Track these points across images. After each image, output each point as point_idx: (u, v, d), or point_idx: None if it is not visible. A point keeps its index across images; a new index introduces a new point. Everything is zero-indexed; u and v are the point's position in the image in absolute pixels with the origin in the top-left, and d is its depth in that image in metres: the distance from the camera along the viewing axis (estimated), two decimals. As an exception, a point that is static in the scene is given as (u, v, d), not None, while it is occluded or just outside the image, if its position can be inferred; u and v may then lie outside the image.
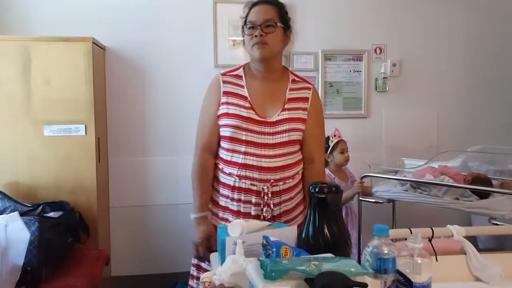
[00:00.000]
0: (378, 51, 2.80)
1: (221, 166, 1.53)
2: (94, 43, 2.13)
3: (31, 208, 1.84)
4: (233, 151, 1.48)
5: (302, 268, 0.81)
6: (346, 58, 2.77)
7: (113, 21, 2.46)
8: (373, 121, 2.81)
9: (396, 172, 2.27)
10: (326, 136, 2.48)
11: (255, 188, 1.45)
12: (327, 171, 2.48)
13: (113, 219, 2.53)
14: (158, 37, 2.52)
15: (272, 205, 1.45)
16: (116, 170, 2.51)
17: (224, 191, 1.51)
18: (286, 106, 1.49)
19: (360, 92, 2.79)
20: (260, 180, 1.45)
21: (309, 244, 1.09)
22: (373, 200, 2.26)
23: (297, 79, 1.58)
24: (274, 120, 1.47)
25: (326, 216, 1.10)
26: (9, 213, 1.70)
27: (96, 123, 2.11)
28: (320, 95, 2.69)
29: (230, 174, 1.48)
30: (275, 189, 1.46)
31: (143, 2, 2.50)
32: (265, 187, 1.45)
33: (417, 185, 2.09)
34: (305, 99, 1.53)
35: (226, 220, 1.50)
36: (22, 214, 1.67)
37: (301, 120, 1.50)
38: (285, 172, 1.48)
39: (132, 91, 2.52)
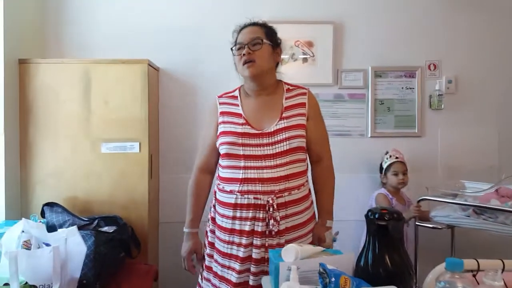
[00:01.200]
0: (432, 67, 2.68)
1: (221, 185, 1.54)
2: (149, 65, 2.22)
3: (88, 222, 1.91)
4: (233, 167, 1.48)
5: (366, 302, 0.76)
6: (397, 75, 2.68)
7: (166, 44, 2.55)
8: (428, 140, 2.68)
9: (455, 195, 2.12)
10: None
11: (259, 202, 1.43)
12: (384, 191, 2.40)
13: (162, 235, 2.58)
14: (208, 57, 2.58)
15: (278, 218, 1.43)
16: (166, 186, 2.56)
17: (225, 211, 1.50)
18: (283, 115, 1.50)
19: (413, 110, 2.67)
20: (263, 193, 1.43)
21: (368, 273, 1.04)
22: (431, 226, 2.13)
23: (291, 87, 1.59)
24: (272, 130, 1.47)
25: (387, 245, 1.04)
26: (68, 226, 1.78)
27: (149, 141, 2.17)
28: (370, 112, 2.64)
29: (231, 192, 1.48)
30: (280, 200, 1.44)
31: (192, 24, 2.58)
32: (269, 199, 1.42)
33: (480, 211, 1.94)
34: (302, 105, 1.54)
35: (229, 242, 1.49)
36: (79, 228, 1.73)
37: (300, 126, 1.50)
38: (289, 182, 1.46)
39: (183, 110, 2.59)
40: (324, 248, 1.23)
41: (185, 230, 1.65)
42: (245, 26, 1.57)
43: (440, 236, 2.25)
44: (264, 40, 1.51)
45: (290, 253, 1.11)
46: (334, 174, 1.63)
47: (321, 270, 0.98)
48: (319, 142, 1.58)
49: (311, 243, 1.53)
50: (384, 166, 2.38)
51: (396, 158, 2.37)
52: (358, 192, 2.59)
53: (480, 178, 2.55)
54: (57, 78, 2.13)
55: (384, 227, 1.03)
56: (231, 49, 1.57)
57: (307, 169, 1.57)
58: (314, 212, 1.60)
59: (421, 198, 2.17)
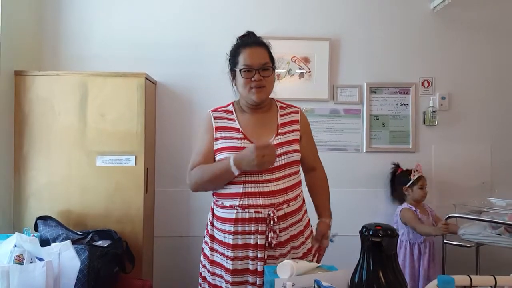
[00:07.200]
0: (426, 84, 2.73)
1: (220, 201, 1.53)
2: (147, 79, 2.23)
3: (82, 236, 1.88)
4: (233, 182, 1.49)
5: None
6: (392, 91, 2.71)
7: (163, 57, 2.58)
8: (422, 155, 2.70)
9: (480, 212, 2.09)
10: (405, 168, 2.52)
11: (260, 215, 1.45)
12: (407, 205, 2.49)
13: (156, 249, 2.55)
14: (205, 71, 2.60)
15: (278, 231, 1.45)
16: (162, 200, 2.55)
17: (226, 226, 1.49)
18: (279, 131, 1.55)
19: (408, 126, 2.70)
20: (264, 206, 1.45)
21: (362, 290, 1.04)
22: (459, 244, 2.12)
23: (284, 105, 1.65)
24: None
25: (381, 261, 1.04)
26: (62, 240, 1.76)
27: (145, 154, 2.17)
28: (365, 128, 2.67)
29: (231, 207, 1.48)
30: (281, 213, 1.47)
31: (190, 38, 2.61)
32: (270, 212, 1.44)
33: (512, 229, 1.90)
34: (295, 122, 1.61)
35: (234, 258, 1.46)
36: (73, 242, 1.71)
37: (295, 141, 1.56)
38: (288, 194, 1.50)
39: (179, 123, 2.60)
40: (319, 265, 1.23)
41: (232, 165, 1.43)
42: (248, 44, 1.53)
43: (465, 254, 2.24)
44: (272, 65, 1.54)
45: (285, 269, 1.11)
46: (327, 180, 1.72)
47: (316, 286, 0.98)
48: (312, 156, 1.68)
49: (315, 239, 1.59)
50: (412, 179, 2.47)
51: (420, 172, 2.49)
52: (354, 207, 2.60)
53: (474, 194, 2.58)
54: (53, 90, 2.13)
55: (378, 243, 1.03)
56: (233, 67, 1.55)
57: (300, 180, 1.61)
58: (308, 219, 1.64)
59: (449, 215, 2.16)
